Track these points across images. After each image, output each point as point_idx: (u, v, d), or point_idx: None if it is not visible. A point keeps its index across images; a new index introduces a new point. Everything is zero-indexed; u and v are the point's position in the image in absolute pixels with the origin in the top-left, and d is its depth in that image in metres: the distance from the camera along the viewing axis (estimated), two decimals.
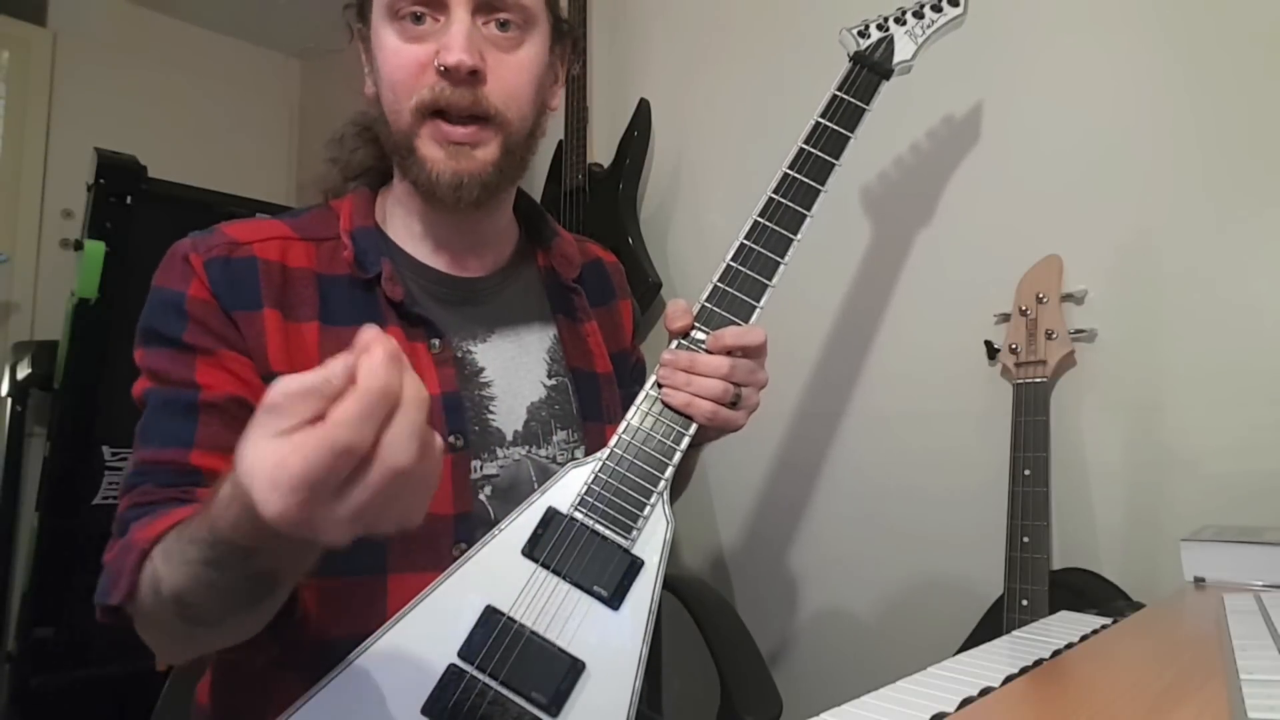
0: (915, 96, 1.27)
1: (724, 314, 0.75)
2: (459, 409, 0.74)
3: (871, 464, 1.32)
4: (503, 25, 0.72)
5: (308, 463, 0.39)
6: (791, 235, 0.77)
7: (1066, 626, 0.62)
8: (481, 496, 0.74)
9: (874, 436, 1.32)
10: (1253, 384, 0.97)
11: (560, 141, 1.74)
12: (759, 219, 0.78)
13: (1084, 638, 0.57)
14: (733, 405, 0.73)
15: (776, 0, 1.50)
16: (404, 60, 0.71)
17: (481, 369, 0.78)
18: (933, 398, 1.25)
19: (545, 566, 0.68)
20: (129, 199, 1.72)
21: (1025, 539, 0.99)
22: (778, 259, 0.76)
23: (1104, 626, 0.62)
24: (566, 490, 0.71)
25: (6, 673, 1.76)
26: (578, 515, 0.69)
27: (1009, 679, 0.45)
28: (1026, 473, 1.01)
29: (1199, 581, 0.73)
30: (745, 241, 0.77)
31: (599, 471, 0.71)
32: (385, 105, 0.74)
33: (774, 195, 0.79)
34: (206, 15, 2.54)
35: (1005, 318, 1.12)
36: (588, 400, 0.83)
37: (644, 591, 0.68)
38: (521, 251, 0.87)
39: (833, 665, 1.34)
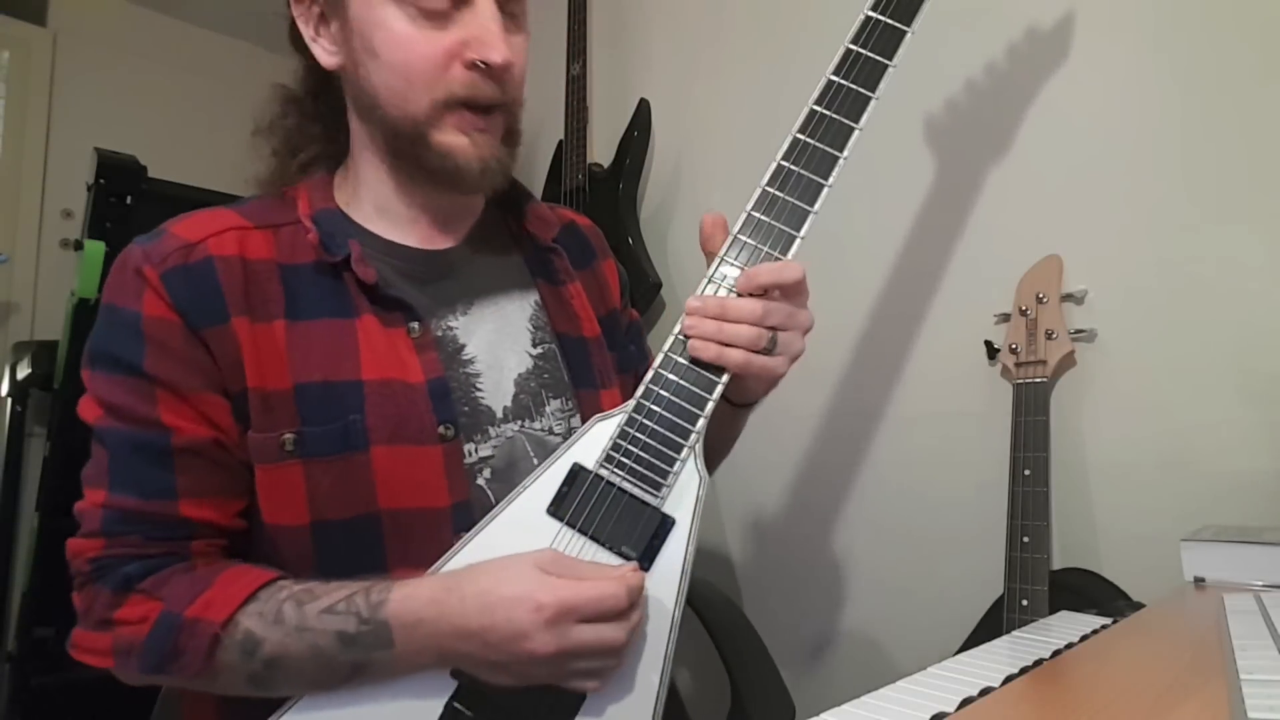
0: (914, 95, 1.27)
1: (758, 245, 0.67)
2: (446, 395, 0.70)
3: (871, 464, 1.32)
4: (509, 10, 0.70)
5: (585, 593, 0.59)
6: (837, 153, 0.68)
7: (1066, 626, 0.62)
8: (480, 481, 0.71)
9: (874, 436, 1.32)
10: (1252, 384, 0.97)
11: (560, 141, 1.75)
12: (799, 135, 0.68)
13: (1084, 638, 0.57)
14: (768, 351, 0.67)
15: (776, 1, 1.50)
16: (424, 50, 0.67)
17: (463, 345, 0.74)
18: (933, 398, 1.25)
19: (571, 526, 0.65)
20: (129, 199, 1.72)
21: (1025, 539, 0.99)
22: (821, 180, 0.67)
23: (1104, 626, 0.62)
24: (592, 445, 0.67)
25: (6, 673, 1.76)
26: (604, 472, 0.66)
27: (1009, 679, 0.45)
28: (1026, 473, 1.01)
29: (1199, 581, 0.73)
30: (783, 163, 0.68)
31: (626, 425, 0.66)
32: (389, 91, 0.69)
33: (816, 107, 0.69)
34: (206, 15, 2.54)
35: (1005, 318, 1.12)
36: (578, 366, 0.79)
37: (676, 552, 0.64)
38: (488, 218, 0.83)
39: (831, 665, 1.34)
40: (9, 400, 2.01)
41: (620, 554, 0.64)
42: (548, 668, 0.59)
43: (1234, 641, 0.48)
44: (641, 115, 1.66)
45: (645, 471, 0.65)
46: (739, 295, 0.67)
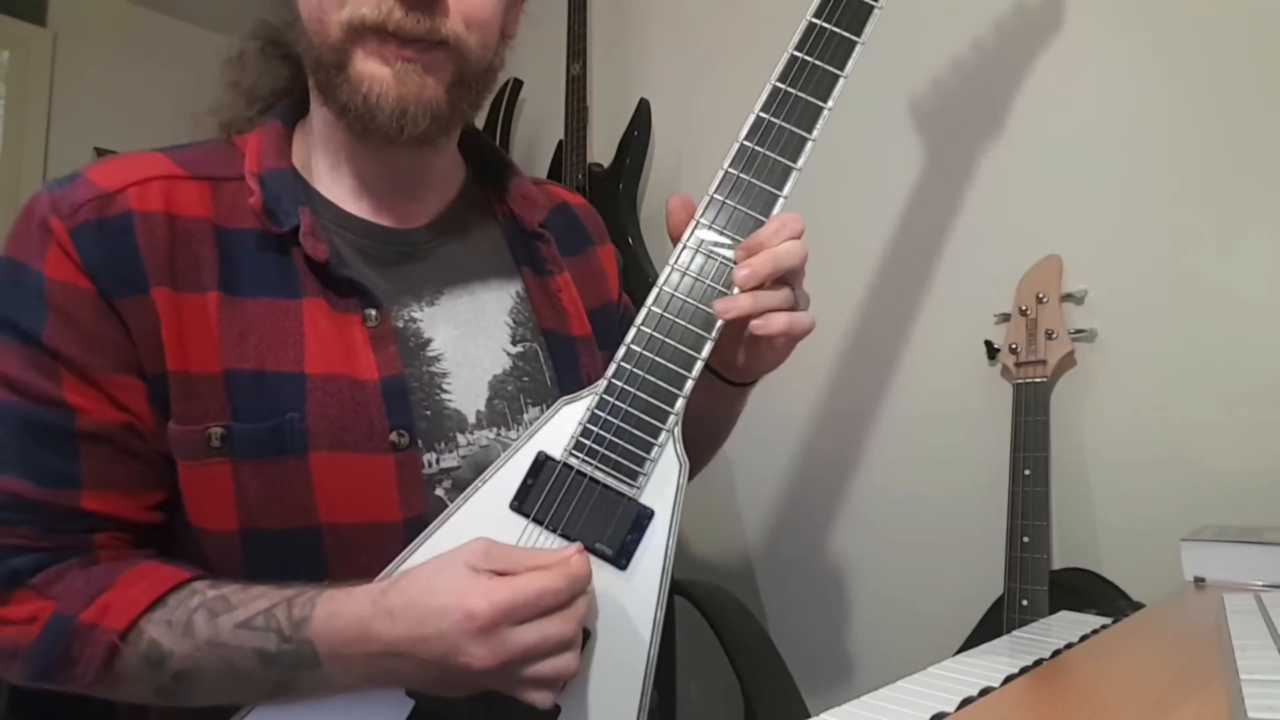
0: (915, 95, 1.27)
1: (738, 207, 0.61)
2: (403, 396, 0.61)
3: (871, 464, 1.32)
4: None
5: (521, 590, 0.52)
6: (822, 103, 0.61)
7: (1066, 626, 0.62)
8: (439, 492, 0.63)
9: (873, 437, 1.32)
10: (1253, 383, 0.97)
11: (560, 141, 1.74)
12: (779, 84, 0.62)
13: (1084, 638, 0.57)
14: (795, 306, 0.61)
15: (777, 0, 1.50)
16: None
17: (428, 340, 0.65)
18: (933, 398, 1.25)
19: (538, 522, 0.58)
20: None
21: (1025, 539, 0.99)
22: (804, 134, 0.61)
23: (1104, 626, 0.62)
24: (559, 431, 0.60)
25: None
26: (573, 460, 0.59)
27: (1009, 679, 0.45)
28: (1026, 473, 1.01)
29: (1199, 581, 0.73)
30: (763, 114, 0.61)
31: (596, 408, 0.59)
32: (304, 11, 0.60)
33: (798, 52, 0.62)
34: (206, 15, 2.54)
35: (1005, 318, 1.12)
36: (564, 369, 0.70)
37: (656, 546, 0.58)
38: (469, 195, 0.73)
39: (831, 665, 1.34)
40: None
41: (595, 552, 0.58)
42: (493, 679, 0.53)
43: (1234, 641, 0.48)
44: (641, 115, 1.66)
45: (619, 459, 0.59)
46: (736, 262, 0.60)
